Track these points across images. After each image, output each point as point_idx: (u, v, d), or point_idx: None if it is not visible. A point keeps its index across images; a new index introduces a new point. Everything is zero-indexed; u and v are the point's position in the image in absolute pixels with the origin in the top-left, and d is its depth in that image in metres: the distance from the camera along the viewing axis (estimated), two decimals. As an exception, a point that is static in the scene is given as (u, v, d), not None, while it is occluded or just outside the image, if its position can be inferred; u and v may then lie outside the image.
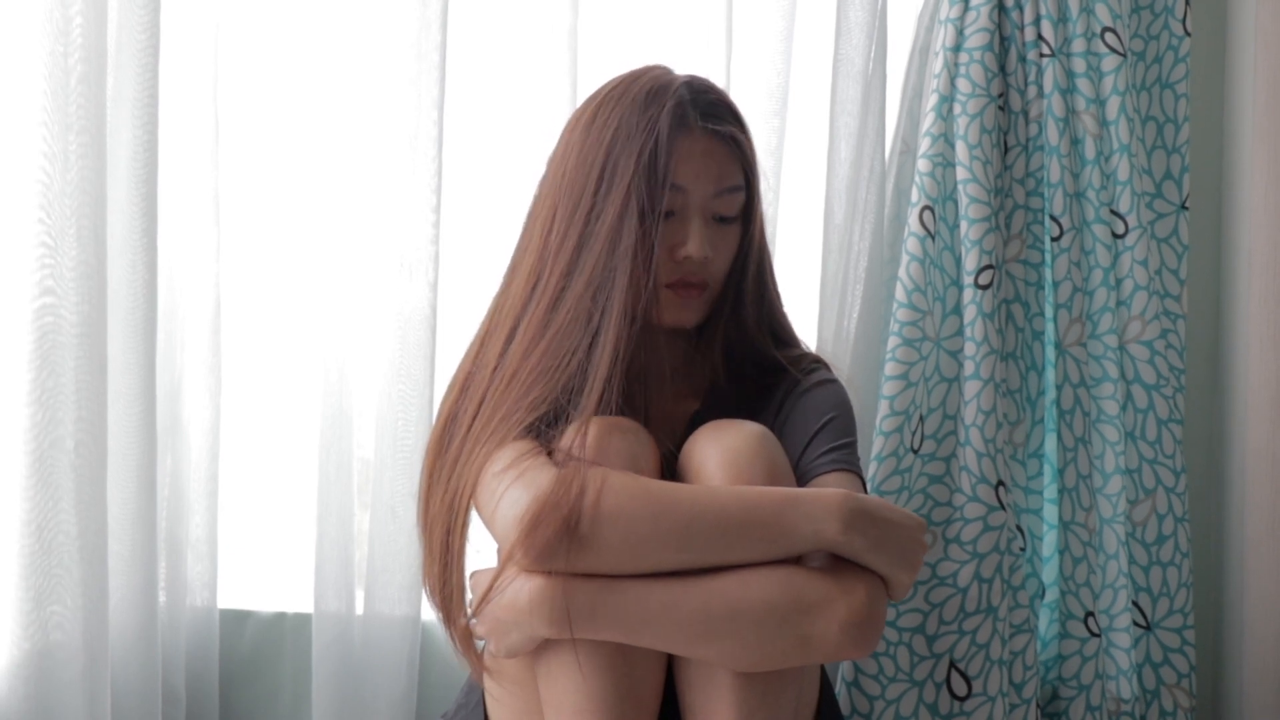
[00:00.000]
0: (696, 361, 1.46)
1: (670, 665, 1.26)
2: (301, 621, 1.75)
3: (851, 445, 1.39)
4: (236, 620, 1.76)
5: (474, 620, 1.27)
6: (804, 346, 1.50)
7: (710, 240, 1.36)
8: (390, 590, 1.69)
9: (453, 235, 1.74)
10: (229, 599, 1.77)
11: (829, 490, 1.23)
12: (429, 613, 1.53)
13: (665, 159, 1.30)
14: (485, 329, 1.39)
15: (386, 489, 1.69)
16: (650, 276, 1.31)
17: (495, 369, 1.33)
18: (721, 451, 1.26)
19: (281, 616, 1.77)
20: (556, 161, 1.38)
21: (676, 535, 1.19)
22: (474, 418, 1.33)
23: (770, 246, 1.60)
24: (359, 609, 1.70)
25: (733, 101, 1.40)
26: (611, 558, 1.19)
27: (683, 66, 1.43)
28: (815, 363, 1.47)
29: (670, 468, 1.31)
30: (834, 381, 1.45)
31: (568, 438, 1.25)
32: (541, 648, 1.24)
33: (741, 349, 1.45)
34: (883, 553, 1.23)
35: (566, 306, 1.30)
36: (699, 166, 1.34)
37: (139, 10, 1.53)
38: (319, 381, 1.69)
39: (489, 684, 1.33)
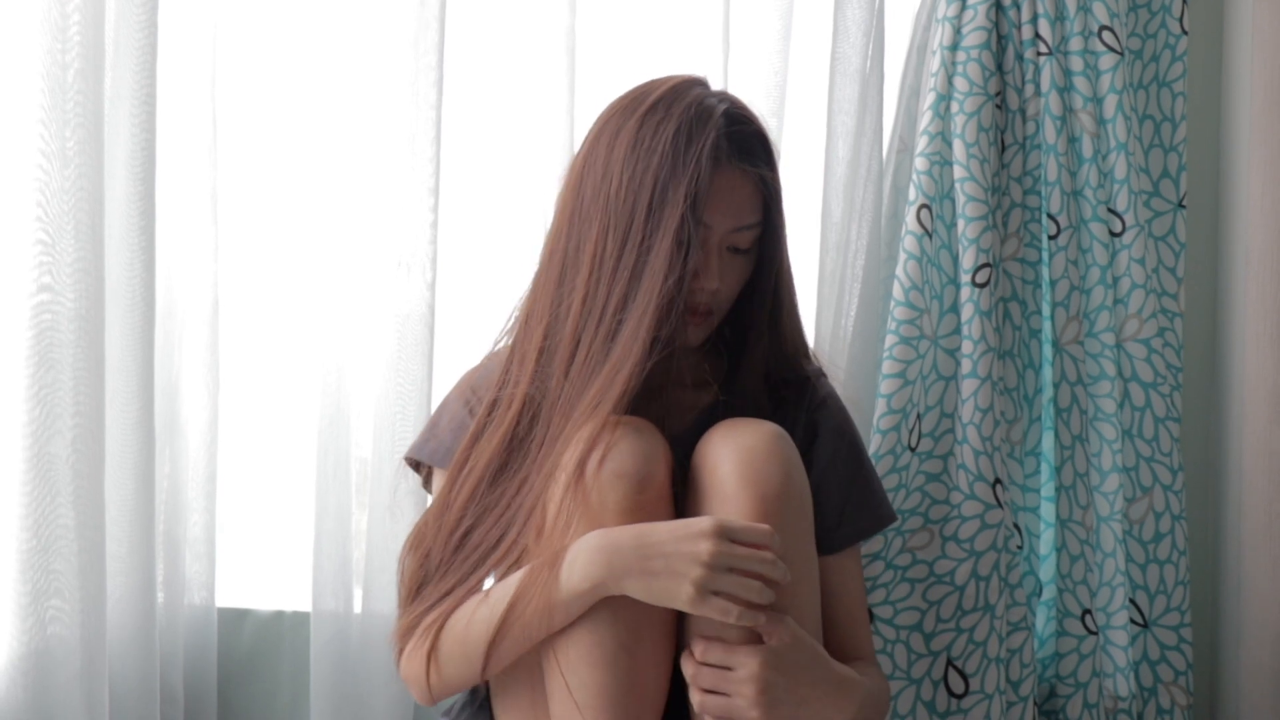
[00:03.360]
0: (698, 360, 1.46)
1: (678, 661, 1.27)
2: (300, 620, 1.75)
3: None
4: (235, 619, 1.76)
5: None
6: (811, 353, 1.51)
7: (721, 270, 1.37)
8: (388, 589, 1.68)
9: (451, 234, 1.74)
10: (227, 598, 1.77)
11: (583, 538, 1.23)
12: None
13: (703, 198, 1.30)
14: (539, 345, 1.36)
15: (384, 488, 1.69)
16: (680, 303, 1.31)
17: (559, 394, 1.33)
18: (737, 450, 1.27)
19: (280, 615, 1.77)
20: (599, 171, 1.35)
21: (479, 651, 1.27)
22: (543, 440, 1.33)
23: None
24: (357, 608, 1.70)
25: (765, 131, 1.38)
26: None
27: (680, 67, 1.43)
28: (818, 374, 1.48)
29: (680, 455, 1.31)
30: (836, 397, 1.47)
31: (586, 435, 1.26)
32: (546, 643, 1.25)
33: (772, 366, 1.46)
34: (644, 583, 1.20)
35: (623, 340, 1.30)
36: (724, 203, 1.34)
37: (137, 9, 1.52)
38: (317, 380, 1.69)
39: (494, 680, 1.34)
